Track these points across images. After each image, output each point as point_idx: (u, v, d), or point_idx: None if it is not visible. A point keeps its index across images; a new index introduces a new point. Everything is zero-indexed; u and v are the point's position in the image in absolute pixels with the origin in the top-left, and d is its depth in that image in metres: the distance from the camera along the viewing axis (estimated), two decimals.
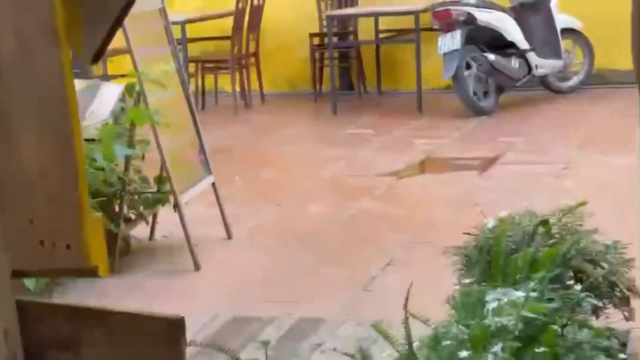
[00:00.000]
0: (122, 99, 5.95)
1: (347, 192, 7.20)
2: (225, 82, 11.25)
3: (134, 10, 5.60)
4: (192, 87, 10.88)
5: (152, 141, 5.55)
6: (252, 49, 11.15)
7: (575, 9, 10.53)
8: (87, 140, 5.27)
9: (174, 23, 10.48)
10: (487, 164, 7.77)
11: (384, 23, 11.34)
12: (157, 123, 5.17)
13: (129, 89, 5.14)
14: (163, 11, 5.90)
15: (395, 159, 8.06)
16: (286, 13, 11.77)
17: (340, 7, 11.56)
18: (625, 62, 10.69)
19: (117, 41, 5.83)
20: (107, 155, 5.14)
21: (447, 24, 9.72)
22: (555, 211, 3.98)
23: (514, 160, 7.86)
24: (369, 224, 6.29)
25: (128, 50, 5.33)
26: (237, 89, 11.09)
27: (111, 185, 5.58)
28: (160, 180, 5.83)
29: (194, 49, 11.78)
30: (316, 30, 11.53)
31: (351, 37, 11.58)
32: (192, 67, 11.07)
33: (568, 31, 10.46)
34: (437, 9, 9.84)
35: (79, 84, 5.99)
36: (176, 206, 5.59)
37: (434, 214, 6.37)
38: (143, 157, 5.74)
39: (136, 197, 5.85)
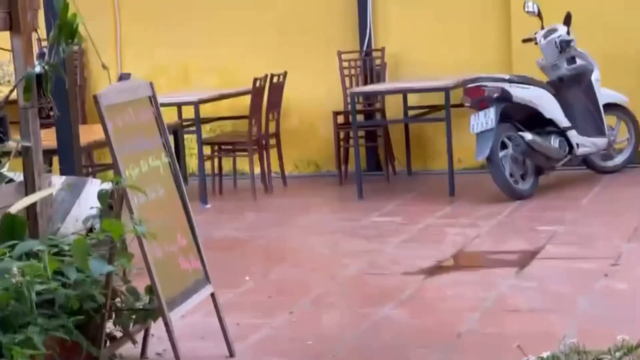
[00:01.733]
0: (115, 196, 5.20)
1: (368, 296, 6.41)
2: (245, 163, 10.56)
3: (117, 99, 4.91)
4: (208, 170, 10.27)
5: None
6: (272, 129, 10.47)
7: (619, 83, 9.82)
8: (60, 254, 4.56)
9: (187, 103, 9.98)
10: (525, 259, 6.96)
11: (413, 99, 10.67)
12: (140, 234, 4.42)
13: (101, 197, 4.40)
14: (153, 99, 5.19)
15: (424, 254, 7.27)
16: (309, 90, 11.13)
17: (365, 83, 10.89)
18: None
19: (102, 132, 5.18)
20: (84, 270, 4.41)
21: (480, 101, 9.00)
22: (611, 349, 3.20)
23: (556, 254, 7.05)
24: (391, 336, 5.48)
25: (108, 147, 4.61)
26: (258, 171, 10.40)
27: (93, 300, 4.83)
28: (151, 291, 5.07)
29: (211, 130, 11.16)
30: (341, 108, 10.86)
31: (378, 115, 10.87)
32: (207, 149, 10.39)
33: (611, 106, 9.74)
34: (468, 85, 9.11)
35: (58, 181, 5.28)
36: (166, 324, 4.82)
37: (466, 324, 5.56)
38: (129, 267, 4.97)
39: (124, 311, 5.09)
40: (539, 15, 9.75)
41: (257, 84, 10.01)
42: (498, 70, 10.21)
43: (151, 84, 5.23)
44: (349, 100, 10.41)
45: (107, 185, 4.45)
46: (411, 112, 10.65)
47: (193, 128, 9.99)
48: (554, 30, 9.68)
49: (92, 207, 4.53)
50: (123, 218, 4.67)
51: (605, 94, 9.69)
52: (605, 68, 9.75)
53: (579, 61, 9.65)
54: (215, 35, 11.45)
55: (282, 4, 11.26)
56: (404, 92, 10.29)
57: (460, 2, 10.71)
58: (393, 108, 10.80)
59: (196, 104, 9.78)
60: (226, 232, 8.62)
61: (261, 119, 10.20)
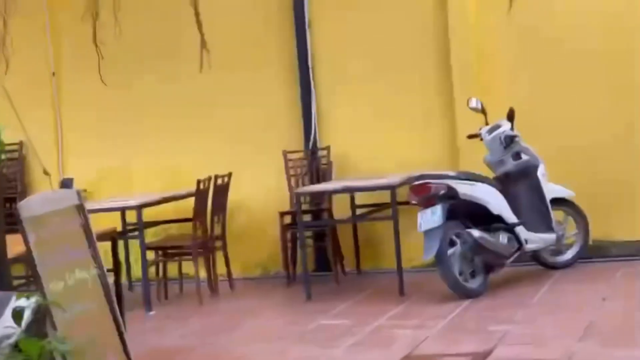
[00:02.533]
0: (36, 312, 4.96)
1: None
2: (191, 267, 10.31)
3: (41, 210, 4.70)
4: (152, 275, 10.02)
5: None
6: (218, 231, 10.26)
7: (566, 177, 9.76)
8: None
9: (129, 208, 9.78)
10: None
11: (361, 197, 10.52)
12: (63, 353, 4.18)
13: (16, 315, 4.15)
14: (81, 208, 4.99)
15: (373, 358, 7.03)
16: (255, 191, 11.02)
17: (312, 182, 10.76)
18: (624, 232, 10.07)
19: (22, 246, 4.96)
20: None
21: (426, 199, 8.87)
22: None
23: (508, 355, 6.84)
24: None
25: (28, 260, 4.39)
26: (204, 275, 10.17)
27: None
28: None
29: (155, 234, 10.94)
30: (287, 208, 10.70)
31: (326, 215, 10.71)
32: (152, 254, 10.14)
33: (559, 201, 9.64)
34: (414, 183, 8.99)
35: None
36: None
37: None
38: None
39: None
40: (483, 111, 9.72)
41: (201, 186, 9.84)
42: (445, 167, 10.15)
43: (79, 193, 5.05)
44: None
45: (24, 302, 4.22)
46: (359, 211, 10.49)
47: (137, 233, 9.77)
48: (498, 126, 9.63)
49: (6, 327, 4.28)
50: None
51: (552, 189, 9.61)
52: (552, 162, 9.70)
53: (524, 156, 9.59)
54: (158, 139, 11.31)
55: (225, 106, 11.15)
56: (350, 191, 10.14)
57: (405, 99, 10.66)
58: (341, 207, 10.63)
59: (138, 208, 9.58)
60: (171, 340, 8.35)
61: (206, 221, 10.01)
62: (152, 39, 11.37)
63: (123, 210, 10.15)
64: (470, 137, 9.86)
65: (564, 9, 10.21)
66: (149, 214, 10.01)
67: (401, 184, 9.41)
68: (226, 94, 11.15)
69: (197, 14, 10.15)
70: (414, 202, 9.03)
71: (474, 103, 9.70)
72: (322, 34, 10.94)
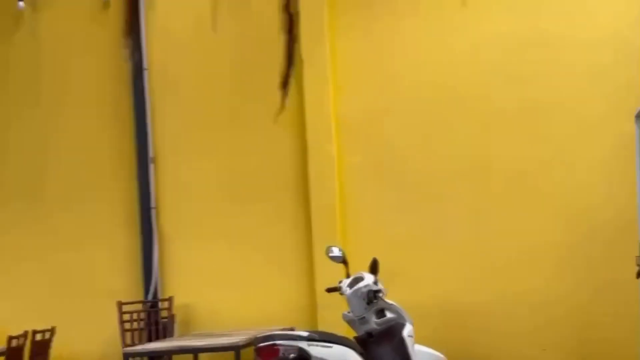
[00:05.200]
0: None
1: None
2: None
3: None
4: None
5: None
6: None
7: (437, 340, 8.67)
8: None
9: None
10: None
11: (207, 358, 9.22)
12: None
13: None
14: None
15: None
16: (83, 348, 9.89)
17: (150, 339, 9.43)
18: None
19: None
20: None
21: None
22: None
23: None
24: None
25: None
26: None
27: None
28: None
29: None
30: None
31: None
32: None
33: None
34: (259, 345, 7.73)
35: None
36: None
37: None
38: None
39: None
40: (344, 261, 8.60)
41: (14, 343, 8.42)
42: (303, 323, 9.33)
43: None
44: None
45: None
46: None
47: None
48: (360, 279, 8.50)
49: None
50: None
51: (420, 352, 8.43)
52: (420, 321, 8.56)
53: (388, 314, 8.42)
54: None
55: (52, 250, 9.86)
56: (187, 352, 8.81)
57: (260, 243, 9.69)
58: None
59: None
60: None
61: None
62: None
63: None
64: (330, 290, 8.72)
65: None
66: None
67: (247, 344, 8.20)
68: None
69: None
70: None
71: (335, 251, 8.61)
72: (166, 171, 9.84)
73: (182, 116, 9.88)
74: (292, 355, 7.68)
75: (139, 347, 8.83)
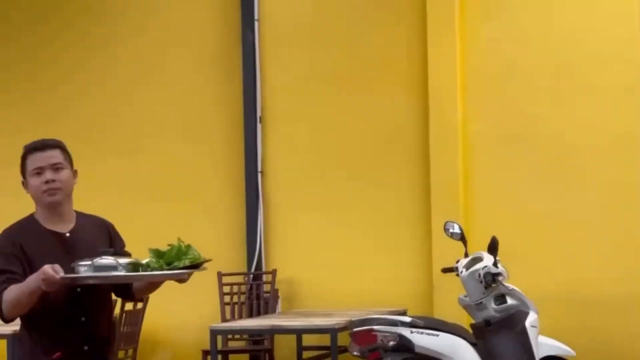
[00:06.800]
0: None
1: None
2: None
3: None
4: None
5: None
6: None
7: (564, 333, 7.84)
8: None
9: None
10: None
11: (310, 338, 8.62)
12: None
13: None
14: None
15: None
16: (175, 322, 9.18)
17: (251, 314, 8.80)
18: None
19: None
20: None
21: (371, 351, 6.86)
22: None
23: None
24: None
25: None
26: None
27: None
28: None
29: None
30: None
31: (266, 357, 8.76)
32: None
33: None
34: (355, 329, 6.93)
35: None
36: None
37: None
38: None
39: None
40: (463, 238, 7.72)
41: None
42: (416, 306, 8.63)
43: None
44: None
45: None
46: (307, 354, 8.47)
47: None
48: (478, 260, 7.60)
49: None
50: None
51: (544, 344, 7.54)
52: (545, 311, 7.74)
53: (510, 300, 7.51)
54: None
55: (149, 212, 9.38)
56: (279, 332, 8.11)
57: (373, 216, 9.03)
58: (287, 348, 8.68)
59: None
60: None
61: None
62: None
63: None
64: (446, 270, 7.91)
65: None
66: None
67: (345, 328, 7.43)
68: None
69: None
70: (355, 353, 7.00)
71: (453, 227, 7.78)
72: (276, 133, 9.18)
73: (294, 73, 9.17)
74: (391, 343, 6.88)
75: (226, 325, 8.13)
